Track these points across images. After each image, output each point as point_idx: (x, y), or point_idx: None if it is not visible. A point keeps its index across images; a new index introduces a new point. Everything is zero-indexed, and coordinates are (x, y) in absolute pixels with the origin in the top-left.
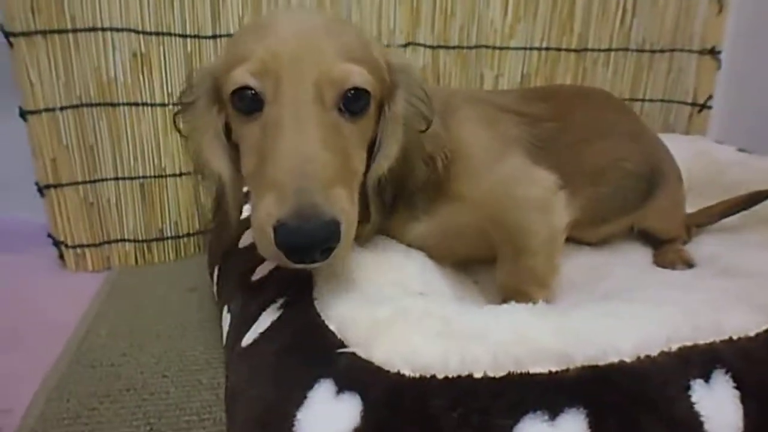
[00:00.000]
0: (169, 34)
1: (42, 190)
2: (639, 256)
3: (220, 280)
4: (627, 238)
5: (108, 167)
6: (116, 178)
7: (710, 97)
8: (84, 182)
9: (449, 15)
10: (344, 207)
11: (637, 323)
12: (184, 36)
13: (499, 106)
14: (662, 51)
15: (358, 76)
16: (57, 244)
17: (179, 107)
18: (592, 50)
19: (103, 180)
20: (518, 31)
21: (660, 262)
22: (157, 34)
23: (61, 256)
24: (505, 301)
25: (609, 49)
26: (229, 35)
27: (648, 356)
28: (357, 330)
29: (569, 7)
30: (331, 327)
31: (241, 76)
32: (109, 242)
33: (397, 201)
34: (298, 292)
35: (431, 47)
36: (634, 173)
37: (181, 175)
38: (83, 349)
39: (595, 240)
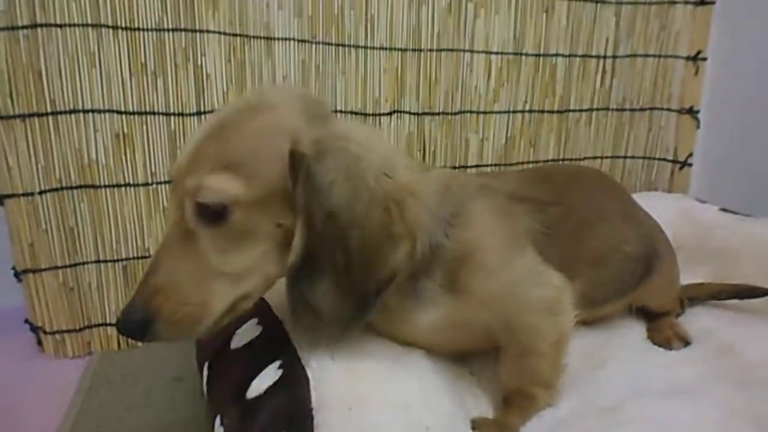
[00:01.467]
0: (153, 113)
1: (19, 274)
2: (634, 333)
3: (211, 382)
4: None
5: (89, 250)
6: (98, 261)
7: (690, 155)
8: (64, 266)
9: (434, 82)
10: (161, 309)
11: None
12: (167, 114)
13: (509, 194)
14: (642, 109)
15: (210, 192)
16: (35, 329)
17: None
18: (574, 111)
19: (83, 263)
20: (502, 96)
21: (656, 339)
22: (140, 113)
23: (39, 342)
24: (506, 399)
25: (590, 109)
26: (214, 110)
27: None
28: None
29: (551, 71)
30: None
31: None
32: (90, 327)
33: (375, 296)
34: (296, 424)
35: (416, 114)
36: (633, 255)
37: None
38: None
39: (592, 320)
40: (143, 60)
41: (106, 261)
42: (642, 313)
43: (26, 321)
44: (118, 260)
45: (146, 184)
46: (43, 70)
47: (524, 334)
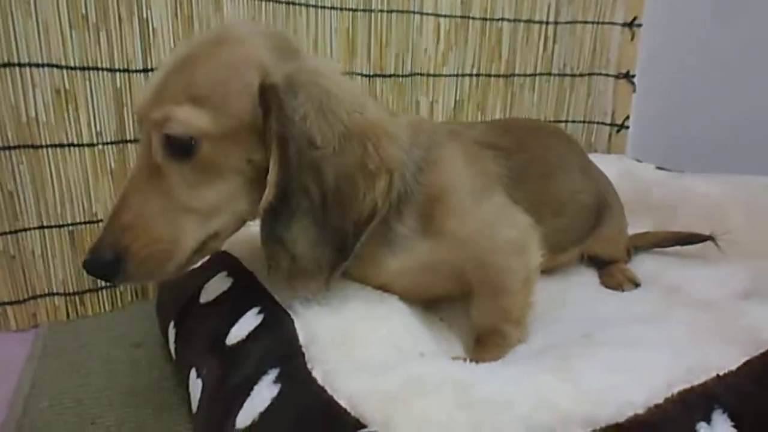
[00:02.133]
0: (96, 69)
1: None
2: (587, 279)
3: (179, 340)
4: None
5: (31, 215)
6: (41, 227)
7: (627, 118)
8: (3, 233)
9: (384, 44)
10: (130, 246)
11: (640, 373)
12: (112, 70)
13: (477, 140)
14: (582, 75)
15: (176, 124)
16: None
17: None
18: (519, 75)
19: (25, 230)
20: (450, 59)
21: (607, 282)
22: (82, 68)
23: None
24: (479, 339)
25: (534, 74)
26: None
27: (657, 405)
28: (370, 406)
29: (497, 35)
30: (342, 403)
31: None
32: (35, 297)
33: (354, 238)
34: (288, 360)
35: (368, 76)
36: (588, 205)
37: None
38: (25, 428)
39: (551, 268)
40: (84, 11)
41: (50, 226)
42: (592, 262)
43: None
44: (63, 225)
45: (91, 144)
46: None
47: (496, 273)
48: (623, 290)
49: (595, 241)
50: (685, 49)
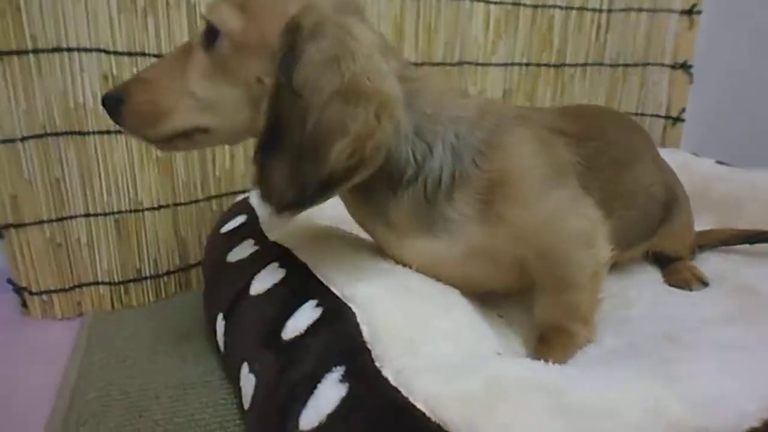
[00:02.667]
0: (143, 54)
1: (1, 230)
2: (651, 276)
3: (229, 333)
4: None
5: (77, 203)
6: (87, 215)
7: (683, 110)
8: (50, 221)
9: (433, 31)
10: (133, 96)
11: (745, 380)
12: (159, 56)
13: (549, 126)
14: (635, 65)
15: (216, 14)
16: (19, 290)
17: None
18: (570, 65)
19: (72, 217)
20: (500, 48)
21: (673, 281)
22: (130, 54)
23: (24, 304)
24: (543, 338)
25: (585, 64)
26: None
27: None
28: (451, 410)
29: (548, 23)
30: (419, 406)
31: None
32: (80, 286)
33: (317, 190)
34: (353, 356)
35: (416, 64)
36: (658, 199)
37: (159, 207)
38: (72, 419)
39: (615, 264)
40: None
41: (96, 215)
42: (656, 259)
43: (9, 281)
44: (109, 213)
45: None
46: (22, 3)
47: (562, 266)
48: (691, 289)
49: (662, 237)
50: (746, 38)
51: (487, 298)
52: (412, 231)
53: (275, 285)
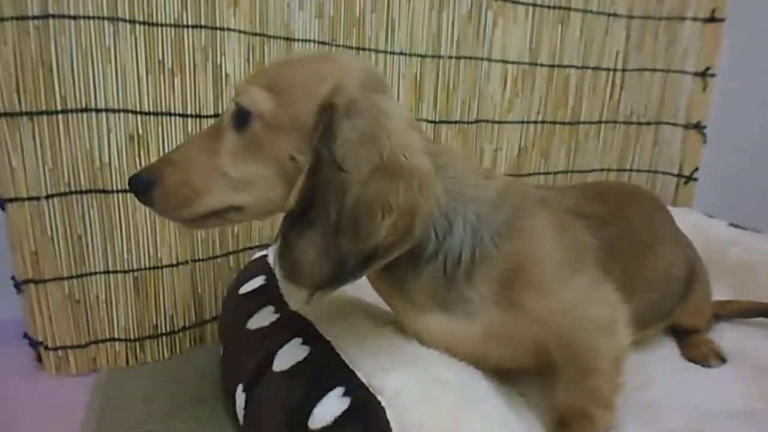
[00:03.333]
0: (169, 114)
1: (19, 285)
2: (666, 350)
3: (251, 408)
4: None
5: (98, 260)
6: (107, 272)
7: (696, 170)
8: (70, 277)
9: (451, 90)
10: (165, 178)
11: None
12: (184, 116)
13: (569, 209)
14: (648, 123)
15: (246, 97)
16: (34, 344)
17: None
18: (584, 123)
19: (91, 274)
20: (516, 105)
21: (691, 356)
22: (156, 114)
23: (39, 359)
24: (563, 421)
25: (599, 122)
26: None
27: None
28: None
29: (564, 82)
30: None
31: None
32: (96, 342)
33: (356, 266)
34: None
35: (433, 122)
36: (679, 278)
37: (178, 264)
38: None
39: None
40: (161, 57)
41: (116, 272)
42: (672, 331)
43: (25, 335)
44: (128, 271)
45: None
46: (54, 65)
47: (582, 353)
48: (710, 365)
49: (681, 312)
50: (760, 100)
51: (506, 376)
52: (431, 307)
53: (299, 363)
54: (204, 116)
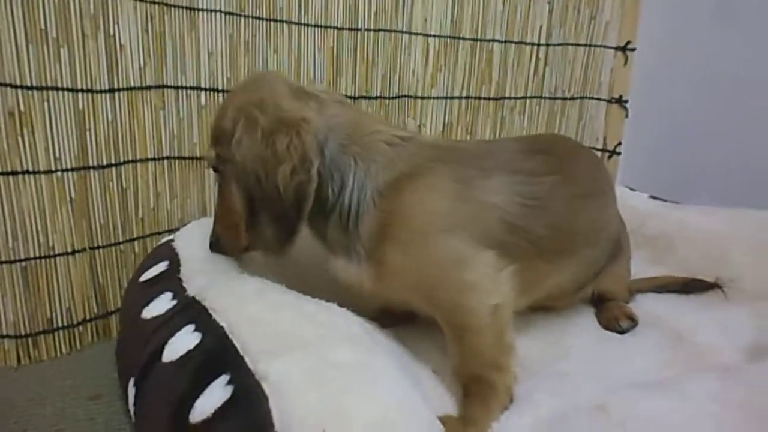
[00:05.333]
0: (56, 89)
1: None
2: (585, 318)
3: (140, 402)
4: None
5: None
6: None
7: (619, 144)
8: None
9: (371, 64)
10: (219, 230)
11: None
12: (74, 90)
13: (487, 167)
14: (572, 98)
15: (209, 160)
16: None
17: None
18: (509, 98)
19: None
20: (439, 81)
21: (604, 321)
22: (40, 88)
23: None
24: (465, 389)
25: (524, 97)
26: (130, 89)
27: None
28: None
29: (488, 57)
30: None
31: None
32: None
33: (295, 217)
34: None
35: (353, 97)
36: (612, 237)
37: (73, 252)
38: None
39: (562, 307)
40: (43, 26)
41: (1, 262)
42: (592, 299)
43: None
44: (15, 261)
45: (49, 172)
46: None
47: (452, 311)
48: (620, 327)
49: (606, 277)
50: (680, 73)
51: (419, 351)
52: (339, 253)
53: (189, 351)
54: (97, 91)
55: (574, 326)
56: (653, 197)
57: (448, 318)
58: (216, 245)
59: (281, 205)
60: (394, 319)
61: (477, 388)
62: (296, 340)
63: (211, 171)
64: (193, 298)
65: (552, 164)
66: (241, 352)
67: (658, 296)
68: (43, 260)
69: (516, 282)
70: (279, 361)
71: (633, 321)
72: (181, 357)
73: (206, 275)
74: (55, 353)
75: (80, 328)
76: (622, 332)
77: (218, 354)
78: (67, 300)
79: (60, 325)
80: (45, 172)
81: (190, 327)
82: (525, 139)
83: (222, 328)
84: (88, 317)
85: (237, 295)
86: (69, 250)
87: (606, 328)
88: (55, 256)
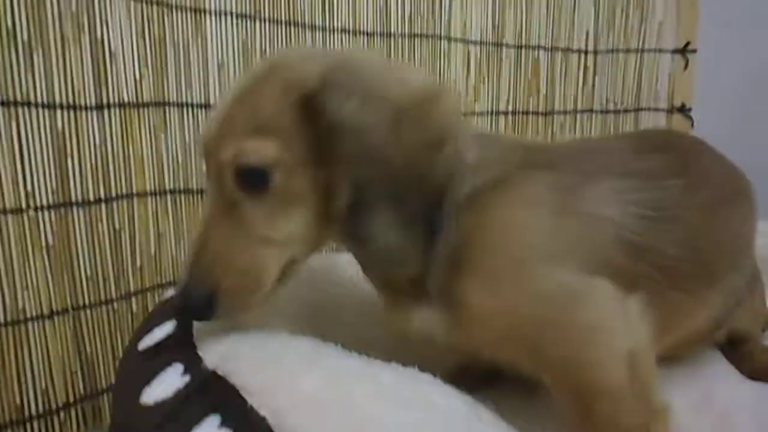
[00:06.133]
0: (27, 104)
1: None
2: (723, 366)
3: None
4: None
5: None
6: None
7: None
8: None
9: None
10: (221, 282)
11: None
12: (52, 107)
13: (591, 171)
14: (626, 111)
15: (248, 155)
16: None
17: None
18: (559, 113)
19: None
20: (482, 93)
21: (752, 369)
22: (8, 104)
23: None
24: None
25: (574, 111)
26: (122, 105)
27: None
28: None
29: (533, 66)
30: None
31: None
32: None
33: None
34: None
35: None
36: (753, 258)
37: (51, 315)
38: None
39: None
40: (10, 25)
41: None
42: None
43: None
44: None
45: (18, 210)
46: None
47: (567, 367)
48: None
49: (741, 312)
50: (743, 74)
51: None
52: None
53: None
54: (82, 107)
55: (709, 380)
56: None
57: (563, 378)
58: (203, 308)
59: (426, 196)
60: (477, 378)
61: None
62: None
63: (232, 184)
64: (214, 372)
65: (674, 164)
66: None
67: None
68: (9, 327)
69: (650, 318)
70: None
71: None
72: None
73: (227, 335)
74: None
75: (61, 415)
76: None
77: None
78: (43, 379)
79: (34, 413)
80: (13, 211)
81: (215, 420)
82: (631, 135)
83: (264, 420)
84: (71, 400)
85: (278, 364)
86: (45, 312)
87: (754, 378)
88: (26, 320)
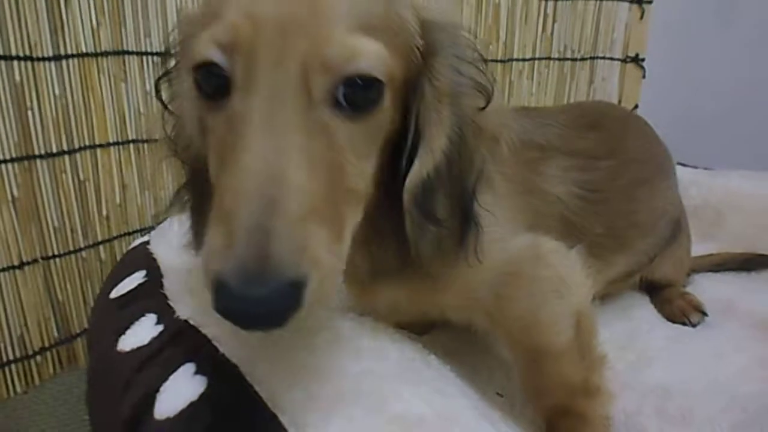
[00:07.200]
0: None
1: None
2: (646, 311)
3: None
4: None
5: None
6: None
7: (636, 106)
8: None
9: None
10: (318, 255)
11: None
12: (8, 58)
13: (544, 146)
14: (583, 59)
15: (367, 59)
16: None
17: (161, 70)
18: (517, 60)
19: None
20: None
21: (669, 312)
22: None
23: None
24: (549, 425)
25: (533, 59)
26: (81, 55)
27: None
28: None
29: (494, 12)
30: None
31: (204, 46)
32: None
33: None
34: None
35: None
36: (673, 219)
37: (21, 266)
38: None
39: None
40: None
41: None
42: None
43: None
44: None
45: None
46: None
47: (527, 329)
48: (691, 321)
49: (664, 262)
50: (698, 26)
51: (480, 370)
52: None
53: (191, 404)
54: (39, 59)
55: (633, 321)
56: (681, 164)
57: (517, 339)
58: (287, 305)
59: (469, 182)
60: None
61: (566, 423)
62: (351, 388)
63: (329, 97)
64: (186, 322)
65: (605, 143)
66: (272, 409)
67: (717, 277)
68: None
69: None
70: (334, 425)
71: (703, 313)
72: (183, 412)
73: (197, 297)
74: (8, 393)
75: (38, 359)
76: (693, 326)
77: (238, 411)
78: (19, 326)
79: (11, 357)
80: None
81: (189, 367)
82: (570, 109)
83: (236, 368)
84: (46, 345)
85: None
86: (15, 263)
87: (671, 320)
88: None
